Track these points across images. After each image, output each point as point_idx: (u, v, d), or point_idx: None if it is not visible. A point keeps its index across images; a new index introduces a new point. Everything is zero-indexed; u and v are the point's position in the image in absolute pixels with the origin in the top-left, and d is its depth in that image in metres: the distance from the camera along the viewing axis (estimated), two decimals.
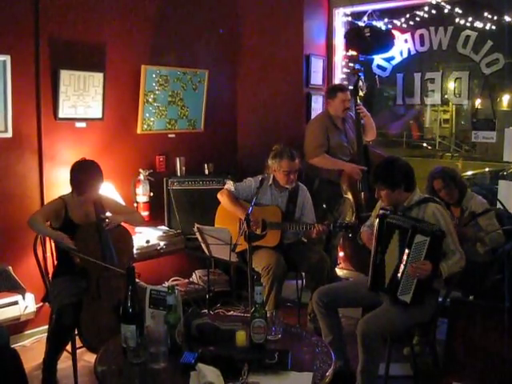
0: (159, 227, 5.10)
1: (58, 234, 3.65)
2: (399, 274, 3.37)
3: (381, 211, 3.58)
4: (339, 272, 5.64)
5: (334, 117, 5.12)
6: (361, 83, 5.27)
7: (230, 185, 4.58)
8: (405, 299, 3.34)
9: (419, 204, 3.48)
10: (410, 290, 3.32)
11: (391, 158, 3.74)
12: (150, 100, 5.12)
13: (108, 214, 3.95)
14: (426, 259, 3.25)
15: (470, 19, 5.07)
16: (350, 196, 5.12)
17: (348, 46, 5.75)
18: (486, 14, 4.98)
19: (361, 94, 5.26)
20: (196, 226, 4.34)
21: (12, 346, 3.29)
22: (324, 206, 4.60)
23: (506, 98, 5.39)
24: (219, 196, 4.55)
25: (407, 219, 3.40)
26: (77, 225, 3.76)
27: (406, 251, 3.33)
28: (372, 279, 3.56)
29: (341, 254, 5.64)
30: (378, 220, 3.52)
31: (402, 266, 3.35)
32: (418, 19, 5.35)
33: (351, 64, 5.79)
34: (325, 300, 3.65)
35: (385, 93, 6.14)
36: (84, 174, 3.83)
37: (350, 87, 5.34)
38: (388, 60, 5.75)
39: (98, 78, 4.68)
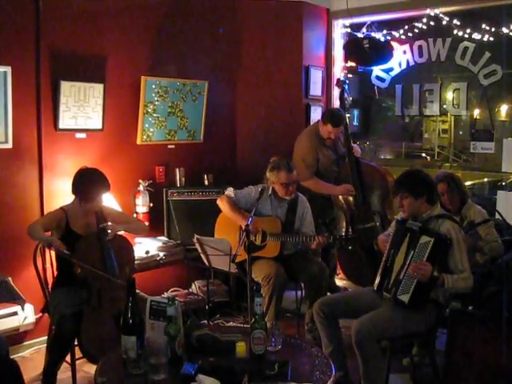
0: (159, 238, 5.10)
1: (47, 238, 3.60)
2: (401, 274, 3.42)
3: (400, 217, 3.64)
4: (338, 282, 5.65)
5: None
6: (346, 95, 5.31)
7: (230, 191, 4.57)
8: (403, 299, 3.38)
9: (437, 218, 3.50)
10: (409, 291, 3.36)
11: (415, 169, 3.85)
12: (150, 111, 5.13)
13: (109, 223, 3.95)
14: (428, 262, 3.28)
15: (468, 31, 5.11)
16: (344, 208, 5.13)
17: (347, 58, 5.80)
18: (483, 25, 5.02)
19: (346, 105, 5.30)
20: (195, 236, 4.35)
21: (11, 357, 3.29)
22: (320, 220, 4.63)
23: (504, 109, 5.42)
24: (219, 201, 4.55)
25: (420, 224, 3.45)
26: (78, 235, 3.75)
27: (411, 252, 3.40)
28: (379, 281, 3.60)
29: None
30: (396, 224, 3.60)
31: (405, 266, 3.41)
32: (416, 31, 5.39)
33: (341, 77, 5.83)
34: (325, 310, 3.66)
35: (383, 104, 6.16)
36: (93, 181, 3.81)
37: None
38: (387, 71, 5.78)
39: (98, 89, 4.69)
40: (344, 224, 5.25)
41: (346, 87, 5.35)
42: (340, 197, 5.12)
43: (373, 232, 4.78)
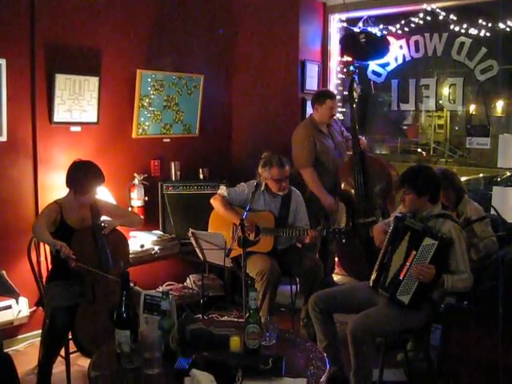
0: (154, 232, 5.10)
1: (56, 242, 3.52)
2: (402, 275, 3.41)
3: (400, 214, 3.62)
4: (334, 278, 5.64)
5: (318, 123, 5.11)
6: (355, 85, 5.26)
7: (222, 190, 4.57)
8: (403, 300, 3.38)
9: (437, 217, 3.49)
10: (409, 292, 3.35)
11: (424, 166, 3.80)
12: (145, 104, 5.12)
13: (104, 217, 3.94)
14: (431, 264, 3.28)
15: (464, 26, 5.09)
16: (345, 202, 5.11)
17: (343, 52, 5.76)
18: (480, 20, 4.99)
19: (355, 96, 5.25)
20: (190, 230, 4.35)
21: (5, 351, 3.28)
22: (320, 216, 4.61)
23: (500, 105, 5.40)
24: (212, 201, 4.54)
25: (421, 223, 3.43)
26: (72, 229, 3.74)
27: (413, 253, 3.38)
28: (375, 277, 3.60)
29: (336, 259, 5.63)
30: (395, 220, 3.58)
31: (406, 267, 3.40)
32: (413, 25, 5.36)
33: (345, 68, 5.79)
34: (320, 305, 3.65)
35: (379, 98, 6.15)
36: (88, 173, 3.79)
37: (345, 93, 5.34)
38: (383, 66, 5.76)
39: (93, 82, 4.67)
40: (344, 218, 5.22)
41: (356, 78, 5.30)
42: (343, 190, 5.08)
43: None
